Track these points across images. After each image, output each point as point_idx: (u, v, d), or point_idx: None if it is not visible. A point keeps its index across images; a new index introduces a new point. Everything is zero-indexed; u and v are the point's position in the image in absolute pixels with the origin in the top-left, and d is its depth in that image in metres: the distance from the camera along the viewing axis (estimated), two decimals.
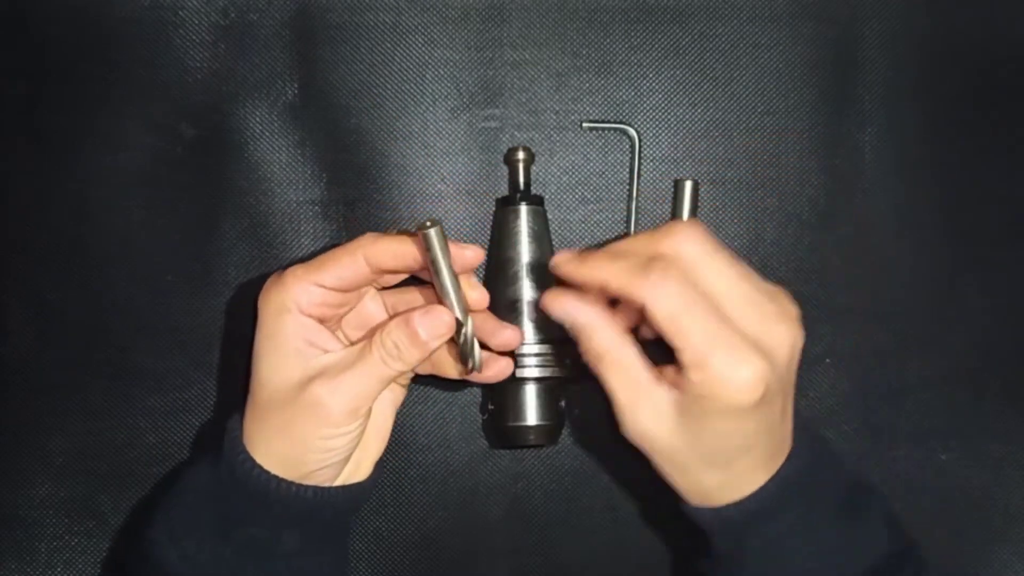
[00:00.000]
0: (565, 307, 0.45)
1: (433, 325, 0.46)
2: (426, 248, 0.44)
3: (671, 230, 0.44)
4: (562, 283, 0.47)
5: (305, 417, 0.45)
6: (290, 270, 0.47)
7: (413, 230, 0.45)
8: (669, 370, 0.44)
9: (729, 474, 0.45)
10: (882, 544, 0.47)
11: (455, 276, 0.46)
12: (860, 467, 0.57)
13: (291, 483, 0.46)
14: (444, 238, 0.44)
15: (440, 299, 0.46)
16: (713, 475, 0.45)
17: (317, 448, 0.45)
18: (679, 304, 0.42)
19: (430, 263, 0.45)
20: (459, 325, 0.46)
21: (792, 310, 0.44)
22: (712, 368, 0.41)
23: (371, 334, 0.47)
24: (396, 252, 0.46)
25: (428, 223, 0.44)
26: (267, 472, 0.45)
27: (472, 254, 0.47)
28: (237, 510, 0.46)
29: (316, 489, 0.46)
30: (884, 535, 0.47)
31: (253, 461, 0.46)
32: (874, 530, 0.47)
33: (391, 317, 0.49)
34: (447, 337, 0.47)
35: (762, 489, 0.45)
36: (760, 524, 0.46)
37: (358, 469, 0.49)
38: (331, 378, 0.45)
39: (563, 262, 0.46)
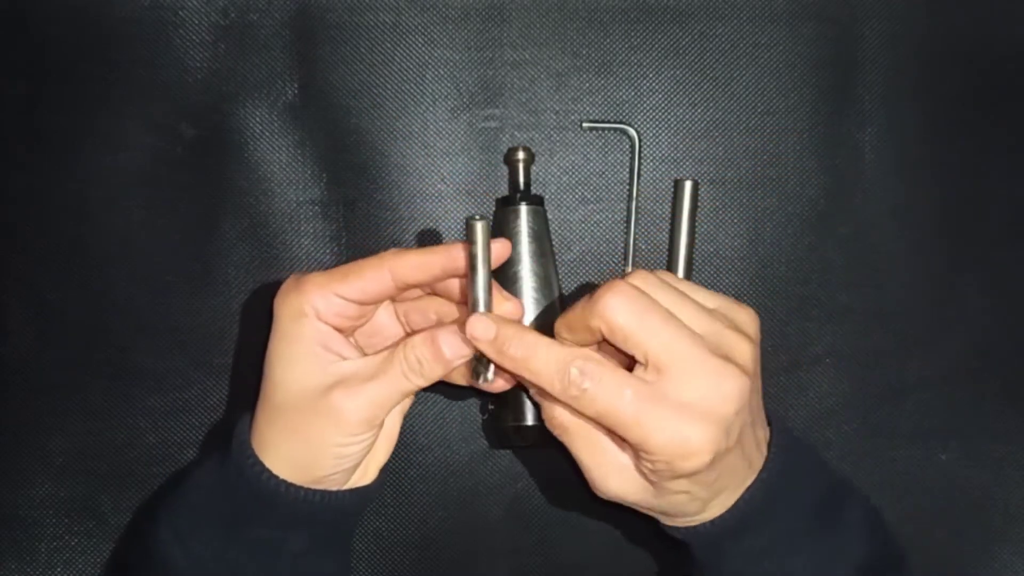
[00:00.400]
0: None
1: (458, 344, 0.45)
2: (470, 241, 0.44)
3: (597, 306, 0.43)
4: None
5: (322, 423, 0.45)
6: (311, 276, 0.46)
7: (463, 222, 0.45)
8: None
9: (705, 510, 0.46)
10: (863, 547, 0.47)
11: (490, 278, 0.45)
12: (859, 467, 0.57)
13: (300, 487, 0.46)
14: (489, 234, 0.45)
15: (469, 299, 0.46)
16: (688, 516, 0.46)
17: (331, 454, 0.45)
18: (605, 402, 0.42)
19: (470, 257, 0.45)
20: None
21: (741, 349, 0.43)
22: (654, 449, 0.42)
23: (392, 346, 0.46)
24: (421, 264, 0.46)
25: (477, 216, 0.44)
26: (276, 476, 0.45)
27: (501, 246, 0.47)
28: (244, 511, 0.46)
29: (324, 493, 0.46)
30: (865, 538, 0.47)
31: (262, 464, 0.46)
32: (855, 534, 0.48)
33: (409, 333, 0.48)
34: (470, 356, 0.46)
35: (738, 501, 0.45)
36: (738, 535, 0.46)
37: (365, 473, 0.49)
38: (351, 387, 0.45)
39: (479, 339, 0.45)
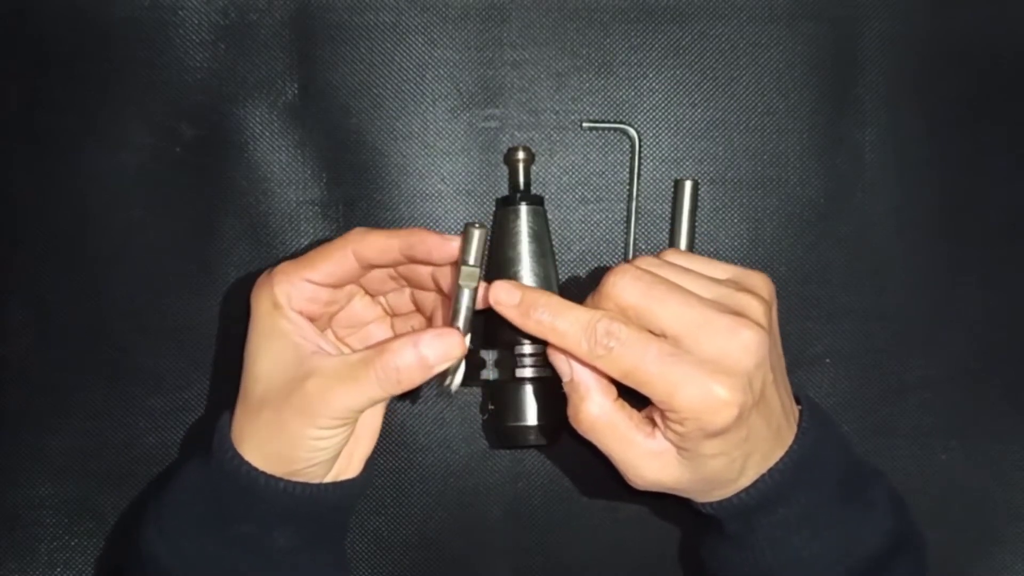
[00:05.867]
0: (568, 362, 0.46)
1: (444, 349, 0.44)
2: (464, 248, 0.44)
3: (604, 289, 0.45)
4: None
5: (296, 416, 0.45)
6: (279, 267, 0.47)
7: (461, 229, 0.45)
8: (654, 411, 0.45)
9: (741, 479, 0.46)
10: (889, 523, 0.48)
11: (476, 290, 0.45)
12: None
13: (279, 479, 0.45)
14: (486, 245, 0.44)
15: (448, 308, 0.46)
16: (725, 488, 0.46)
17: (306, 447, 0.45)
18: (631, 360, 0.43)
19: (460, 263, 0.44)
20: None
21: (748, 306, 0.44)
22: (681, 407, 0.42)
23: (375, 346, 0.45)
24: (383, 247, 0.46)
25: (477, 224, 0.44)
26: (255, 468, 0.45)
27: (484, 292, 0.47)
28: (227, 507, 0.46)
29: (305, 486, 0.46)
30: (890, 513, 0.48)
31: (241, 457, 0.46)
32: (881, 509, 0.48)
33: (396, 336, 0.48)
34: (456, 359, 0.45)
35: (771, 471, 0.46)
36: (769, 508, 0.46)
37: (349, 465, 0.49)
38: (324, 385, 0.44)
39: (503, 303, 0.46)
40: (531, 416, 0.51)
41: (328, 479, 0.48)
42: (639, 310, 0.44)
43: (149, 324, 0.55)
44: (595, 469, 0.56)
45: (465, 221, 0.44)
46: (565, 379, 0.47)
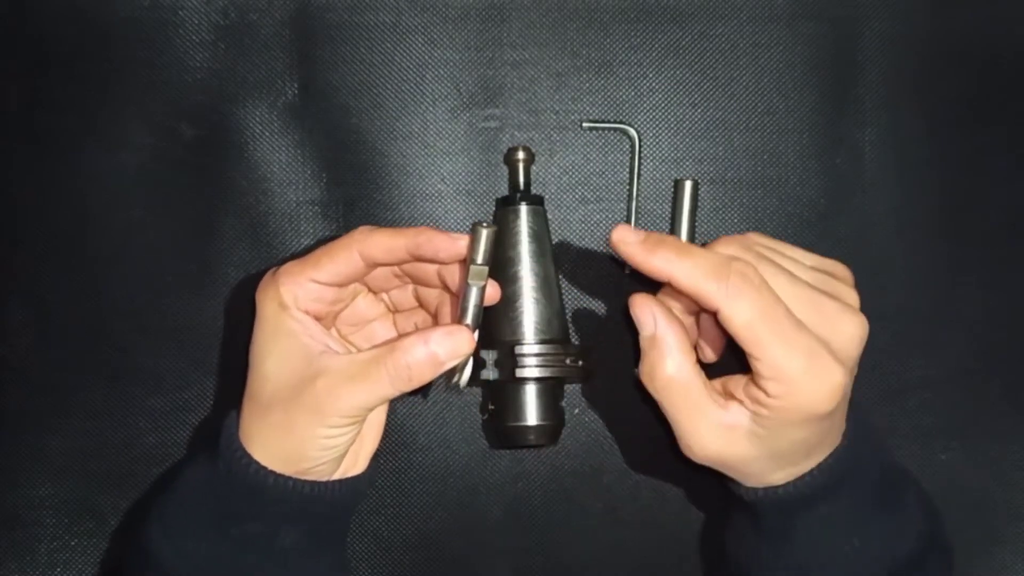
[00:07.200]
0: (654, 315, 0.45)
1: (454, 346, 0.44)
2: (473, 247, 0.44)
3: (717, 246, 0.44)
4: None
5: (306, 415, 0.45)
6: (284, 267, 0.47)
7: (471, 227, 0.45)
8: (730, 383, 0.45)
9: (797, 468, 0.45)
10: (921, 525, 0.48)
11: (484, 288, 0.45)
12: None
13: (288, 478, 0.46)
14: (494, 244, 0.44)
15: (457, 306, 0.46)
16: (782, 473, 0.45)
17: (317, 445, 0.45)
18: (758, 312, 0.41)
19: (469, 261, 0.44)
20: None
21: (851, 296, 0.45)
22: (793, 381, 0.41)
23: (382, 345, 0.45)
24: (390, 246, 0.46)
25: (485, 224, 0.44)
26: (264, 467, 0.45)
27: (492, 290, 0.47)
28: (234, 506, 0.46)
29: (313, 484, 0.46)
30: (922, 517, 0.48)
31: (250, 456, 0.46)
32: (913, 511, 0.48)
33: (406, 334, 0.48)
34: (465, 356, 0.46)
35: (817, 471, 0.45)
36: (812, 504, 0.46)
37: (356, 463, 0.49)
38: (334, 384, 0.44)
39: (628, 241, 0.44)
40: (531, 416, 0.51)
41: (335, 477, 0.48)
42: (766, 270, 0.43)
43: (149, 324, 0.55)
44: (595, 469, 0.56)
45: (473, 221, 0.44)
46: (646, 332, 0.45)
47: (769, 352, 0.41)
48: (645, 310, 0.45)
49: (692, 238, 0.56)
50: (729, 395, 0.45)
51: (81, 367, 0.55)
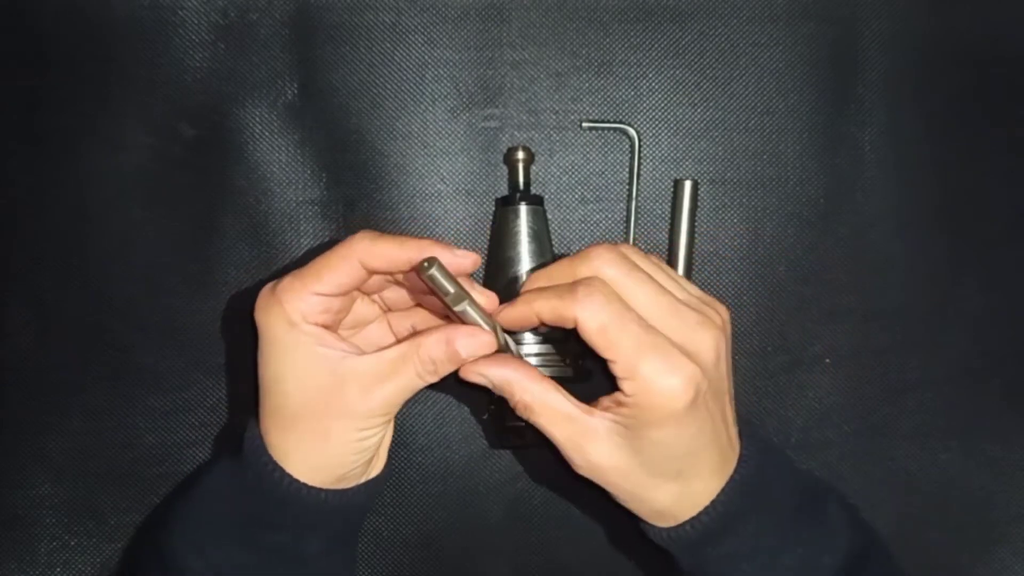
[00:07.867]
0: (482, 372, 0.46)
1: (475, 346, 0.45)
2: (433, 288, 0.44)
3: (589, 254, 0.46)
4: None
5: (339, 420, 0.45)
6: (283, 283, 0.46)
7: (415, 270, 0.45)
8: (603, 400, 0.45)
9: (682, 486, 0.45)
10: (846, 538, 0.47)
11: (473, 300, 0.45)
12: (859, 467, 0.57)
13: (320, 489, 0.46)
14: (444, 270, 0.44)
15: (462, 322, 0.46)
16: (666, 490, 0.46)
17: (353, 449, 0.46)
18: (607, 316, 0.43)
19: (443, 296, 0.44)
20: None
21: (713, 317, 0.46)
22: (643, 375, 0.43)
23: (400, 341, 0.46)
24: (392, 258, 0.46)
25: (425, 263, 0.43)
26: (297, 480, 0.45)
27: (470, 262, 0.47)
28: (263, 517, 0.46)
29: (343, 492, 0.47)
30: (845, 535, 0.48)
31: (282, 469, 0.46)
32: (836, 526, 0.48)
33: (413, 334, 0.48)
34: (486, 353, 0.46)
35: (715, 502, 0.45)
36: (718, 538, 0.46)
37: (377, 461, 0.49)
38: (366, 386, 0.45)
39: (499, 316, 0.47)
40: None
41: (362, 480, 0.48)
42: (617, 285, 0.44)
43: (149, 324, 0.55)
44: None
45: (417, 264, 0.44)
46: (490, 386, 0.47)
47: (621, 352, 0.43)
48: (473, 373, 0.46)
49: (692, 238, 0.56)
50: (597, 407, 0.46)
51: (81, 367, 0.55)
